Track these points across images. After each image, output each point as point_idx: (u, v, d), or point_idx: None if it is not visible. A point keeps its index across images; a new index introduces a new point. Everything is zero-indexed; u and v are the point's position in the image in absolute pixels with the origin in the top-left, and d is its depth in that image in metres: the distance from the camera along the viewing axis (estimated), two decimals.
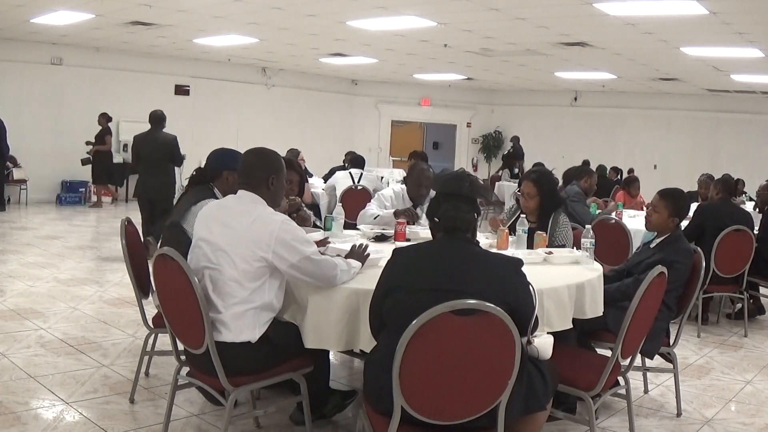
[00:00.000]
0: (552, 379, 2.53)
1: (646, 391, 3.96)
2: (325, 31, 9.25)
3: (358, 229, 4.44)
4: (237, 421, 3.23)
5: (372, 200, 5.01)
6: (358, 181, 7.94)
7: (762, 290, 5.93)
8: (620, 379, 3.02)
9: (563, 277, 3.14)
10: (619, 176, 11.69)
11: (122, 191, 12.51)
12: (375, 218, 4.59)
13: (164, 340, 3.58)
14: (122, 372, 3.83)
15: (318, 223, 4.58)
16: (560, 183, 6.73)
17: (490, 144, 16.84)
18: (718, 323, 5.72)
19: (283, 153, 3.57)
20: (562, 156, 14.29)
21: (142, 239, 7.16)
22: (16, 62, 11.30)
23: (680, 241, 3.79)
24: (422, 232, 4.06)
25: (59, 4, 8.15)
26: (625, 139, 15.08)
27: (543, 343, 2.52)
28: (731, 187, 6.09)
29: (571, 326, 3.05)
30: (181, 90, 13.41)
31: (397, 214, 4.45)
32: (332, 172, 8.90)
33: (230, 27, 9.22)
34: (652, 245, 3.88)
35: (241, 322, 2.67)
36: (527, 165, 9.64)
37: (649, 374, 4.02)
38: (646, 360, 3.70)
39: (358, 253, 3.10)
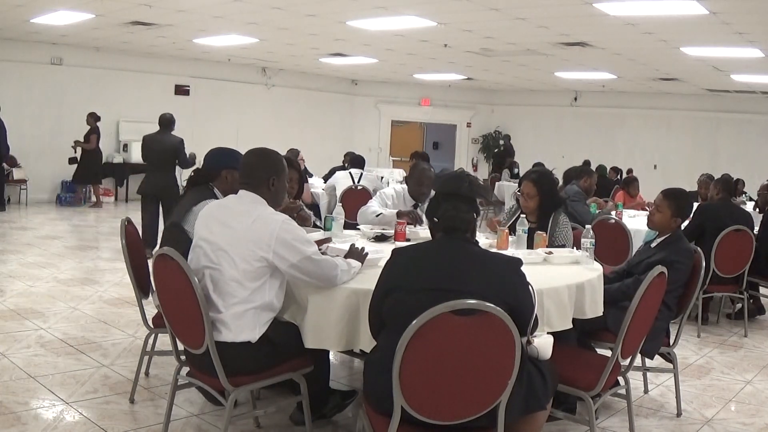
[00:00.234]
0: (552, 379, 2.53)
1: (646, 391, 3.96)
2: (325, 31, 9.25)
3: (358, 229, 4.43)
4: (237, 421, 3.23)
5: (373, 198, 5.01)
6: (358, 181, 7.94)
7: (762, 290, 5.93)
8: (620, 379, 3.02)
9: (563, 277, 3.14)
10: (619, 176, 11.69)
11: (122, 191, 12.52)
12: (377, 215, 4.59)
13: (164, 340, 3.58)
14: (122, 372, 3.83)
15: (318, 223, 4.58)
16: (560, 183, 6.73)
17: (490, 144, 16.84)
18: (718, 323, 5.72)
19: (283, 153, 3.57)
20: (562, 156, 14.29)
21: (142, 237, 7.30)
22: (16, 62, 11.30)
23: (681, 241, 3.80)
24: (422, 232, 4.06)
25: (59, 4, 8.15)
26: (625, 139, 15.08)
27: (543, 343, 2.52)
28: (731, 187, 6.10)
29: (571, 326, 3.05)
30: (181, 90, 13.41)
31: (400, 214, 4.44)
32: (332, 172, 8.90)
33: (230, 27, 9.21)
34: (653, 245, 3.88)
35: (241, 321, 2.67)
36: (526, 165, 9.62)
37: (649, 374, 4.02)
38: (646, 360, 3.70)
39: (357, 253, 3.10)
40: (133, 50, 11.96)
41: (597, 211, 6.58)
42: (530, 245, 3.83)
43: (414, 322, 2.08)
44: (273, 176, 2.84)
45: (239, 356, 2.65)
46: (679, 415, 3.63)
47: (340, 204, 4.65)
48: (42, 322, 4.71)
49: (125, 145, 12.38)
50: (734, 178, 7.39)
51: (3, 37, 10.85)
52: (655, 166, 14.56)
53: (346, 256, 3.03)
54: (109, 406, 3.36)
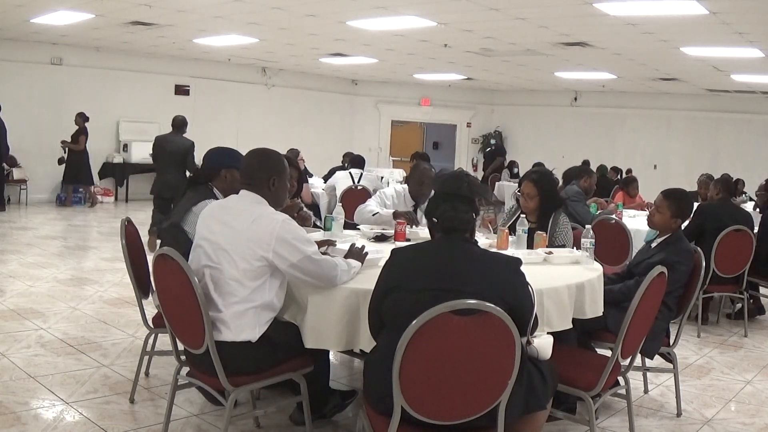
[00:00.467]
0: (552, 379, 2.53)
1: (646, 391, 3.96)
2: (325, 31, 9.25)
3: (358, 229, 4.44)
4: (237, 421, 3.24)
5: (372, 197, 5.01)
6: (358, 181, 7.94)
7: (762, 290, 5.93)
8: (620, 379, 3.02)
9: (563, 277, 3.14)
10: (619, 176, 11.70)
11: (122, 191, 12.52)
12: (373, 215, 4.59)
13: (164, 340, 3.58)
14: (122, 372, 3.83)
15: (318, 223, 4.58)
16: (560, 183, 6.74)
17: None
18: (718, 323, 5.72)
19: (282, 153, 3.57)
20: (562, 156, 14.29)
21: (149, 229, 7.40)
22: (16, 62, 11.30)
23: (681, 241, 3.80)
24: (422, 232, 4.06)
25: (59, 4, 8.15)
26: (625, 139, 15.08)
27: (543, 343, 2.52)
28: (731, 187, 6.10)
29: (571, 326, 3.05)
30: (181, 90, 13.41)
31: (396, 215, 4.44)
32: (332, 172, 8.90)
33: (230, 27, 9.22)
34: (654, 245, 3.88)
35: (241, 321, 2.67)
36: (526, 165, 9.62)
37: (649, 374, 4.02)
38: (646, 360, 3.70)
39: (357, 253, 3.10)
40: (133, 50, 11.96)
41: (597, 212, 6.58)
42: (530, 245, 3.83)
43: (414, 322, 2.08)
44: (274, 176, 2.84)
45: (239, 356, 2.66)
46: (679, 415, 3.63)
47: (340, 204, 4.65)
48: (42, 322, 4.71)
49: (125, 145, 12.38)
50: (734, 178, 7.39)
51: (3, 37, 10.85)
52: (655, 166, 14.56)
53: (346, 256, 3.03)
54: (109, 406, 3.36)
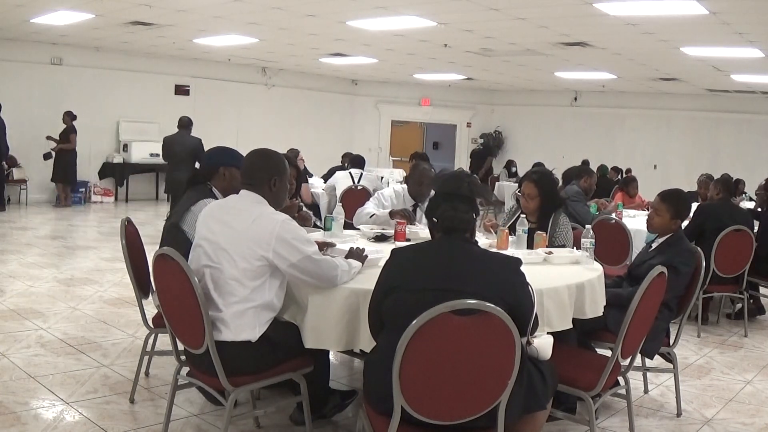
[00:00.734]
0: (552, 379, 2.53)
1: (646, 391, 3.96)
2: (325, 31, 9.25)
3: (357, 229, 4.44)
4: (237, 421, 3.24)
5: (370, 200, 5.01)
6: (358, 181, 7.94)
7: (762, 290, 5.93)
8: (620, 379, 3.02)
9: (563, 277, 3.14)
10: (619, 176, 11.70)
11: (122, 191, 12.52)
12: (370, 217, 4.59)
13: (164, 340, 3.58)
14: (122, 372, 3.83)
15: (318, 223, 4.58)
16: (560, 183, 6.74)
17: (490, 144, 16.84)
18: (718, 323, 5.72)
19: (282, 153, 3.56)
20: (562, 156, 14.29)
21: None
22: (16, 62, 11.30)
23: (682, 241, 3.79)
24: (422, 232, 4.06)
25: (59, 4, 8.15)
26: (625, 139, 15.08)
27: (543, 344, 2.52)
28: (731, 187, 6.10)
29: (571, 326, 3.05)
30: (181, 90, 13.41)
31: (392, 214, 4.45)
32: (332, 172, 8.90)
33: (230, 27, 9.22)
34: (654, 245, 3.88)
35: (241, 321, 2.67)
36: (526, 165, 9.61)
37: (649, 374, 4.02)
38: (646, 360, 3.70)
39: (357, 254, 3.10)
40: (133, 50, 11.96)
41: (597, 212, 6.58)
42: (530, 245, 3.83)
43: (414, 322, 2.08)
44: (275, 177, 2.85)
45: (239, 356, 2.66)
46: (679, 415, 3.63)
47: (340, 204, 4.65)
48: (42, 322, 4.71)
49: (125, 145, 12.38)
50: (734, 178, 7.39)
51: (3, 37, 10.85)
52: (655, 166, 14.56)
53: (346, 257, 3.03)
54: (109, 406, 3.36)
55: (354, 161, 8.79)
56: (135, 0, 7.62)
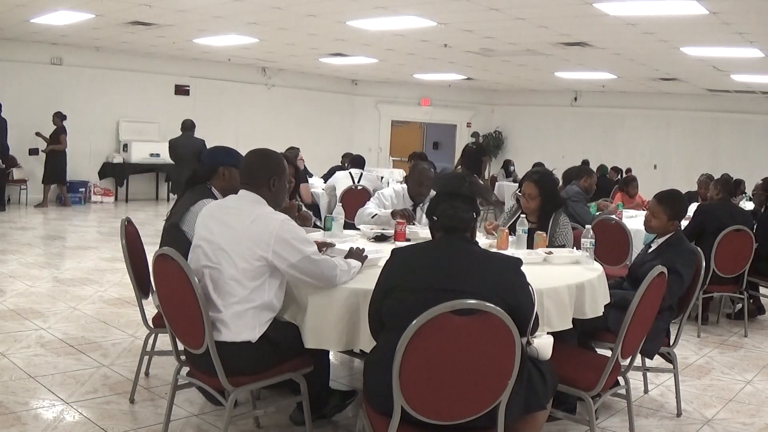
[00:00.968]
0: (552, 379, 2.53)
1: (646, 391, 3.96)
2: (325, 31, 9.25)
3: (357, 229, 4.44)
4: (237, 421, 3.24)
5: (371, 200, 5.01)
6: (358, 181, 7.93)
7: (762, 290, 5.93)
8: (620, 379, 3.02)
9: (563, 277, 3.14)
10: (619, 176, 11.70)
11: (122, 191, 12.52)
12: (372, 217, 4.59)
13: (164, 340, 3.58)
14: (122, 372, 3.83)
15: (318, 223, 4.58)
16: (560, 183, 6.74)
17: (490, 144, 16.84)
18: (718, 323, 5.72)
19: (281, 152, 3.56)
20: (562, 156, 14.29)
21: None
22: (16, 62, 11.30)
23: (682, 242, 3.79)
24: (422, 232, 4.06)
25: (59, 4, 8.15)
26: (624, 139, 15.08)
27: (543, 344, 2.52)
28: (731, 187, 6.10)
29: (571, 326, 3.05)
30: (181, 90, 13.42)
31: (394, 214, 4.45)
32: (332, 171, 8.90)
33: (230, 27, 9.22)
34: (654, 246, 3.88)
35: (241, 321, 2.67)
36: (526, 165, 9.61)
37: (649, 374, 4.02)
38: (646, 360, 3.70)
39: (357, 254, 3.10)
40: (133, 50, 11.96)
41: (597, 212, 6.58)
42: (530, 245, 3.83)
43: (414, 322, 2.08)
44: (274, 177, 2.84)
45: (239, 356, 2.66)
46: (679, 415, 3.63)
47: (340, 204, 4.65)
48: (42, 322, 4.71)
49: (125, 145, 12.39)
50: (734, 178, 7.39)
51: (3, 37, 10.85)
52: (655, 166, 14.57)
53: (345, 257, 3.03)
54: (109, 406, 3.36)
55: (354, 161, 8.79)
56: (135, 0, 7.62)
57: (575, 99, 15.65)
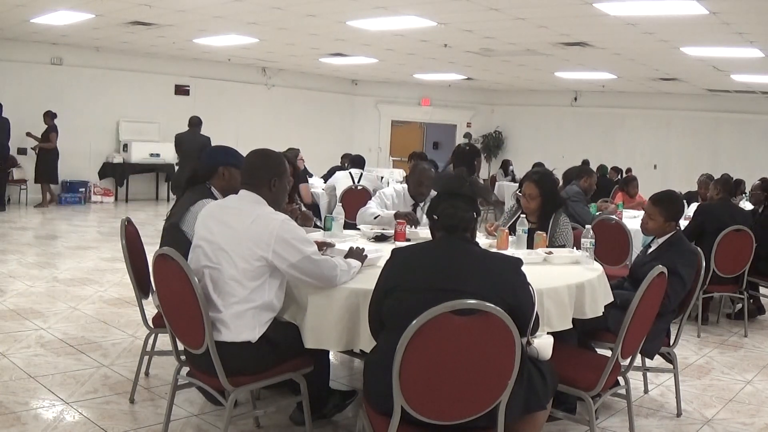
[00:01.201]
0: (552, 379, 2.53)
1: (646, 391, 3.96)
2: (325, 31, 9.26)
3: (358, 229, 4.43)
4: (237, 421, 3.23)
5: (372, 199, 5.01)
6: (358, 181, 7.93)
7: (762, 290, 5.93)
8: (620, 379, 3.02)
9: (563, 277, 3.14)
10: (619, 176, 11.71)
11: (122, 191, 12.52)
12: (375, 218, 4.59)
13: (164, 340, 3.58)
14: (122, 372, 3.83)
15: (318, 223, 4.58)
16: (560, 183, 6.74)
17: (490, 144, 16.84)
18: (718, 323, 5.72)
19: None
20: (562, 156, 14.30)
21: None
22: (16, 62, 11.31)
23: (682, 242, 3.78)
24: (422, 232, 4.06)
25: (59, 4, 8.15)
26: (624, 139, 15.09)
27: (543, 344, 2.52)
28: (731, 187, 6.10)
29: (571, 326, 3.05)
30: (181, 90, 13.42)
31: (397, 215, 4.44)
32: (332, 171, 8.90)
33: (230, 27, 9.22)
34: (653, 246, 3.87)
35: (241, 321, 2.67)
36: (526, 165, 9.60)
37: (649, 374, 4.02)
38: (646, 360, 3.70)
39: (356, 254, 3.10)
40: (133, 50, 11.96)
41: (597, 213, 6.58)
42: (530, 245, 3.83)
43: (414, 322, 2.08)
44: (275, 177, 2.84)
45: (239, 356, 2.66)
46: (679, 415, 3.63)
47: (340, 204, 4.65)
48: (42, 322, 4.71)
49: (125, 145, 12.39)
50: (734, 178, 7.40)
51: (3, 37, 10.85)
52: (655, 166, 14.57)
53: (345, 257, 3.03)
54: (109, 406, 3.36)
55: (354, 161, 8.79)
56: (135, 0, 7.62)
57: (575, 99, 15.66)
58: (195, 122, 9.77)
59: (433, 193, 3.85)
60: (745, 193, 9.67)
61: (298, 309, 2.82)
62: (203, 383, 2.82)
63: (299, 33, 9.51)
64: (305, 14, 8.03)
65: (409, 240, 3.95)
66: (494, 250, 3.62)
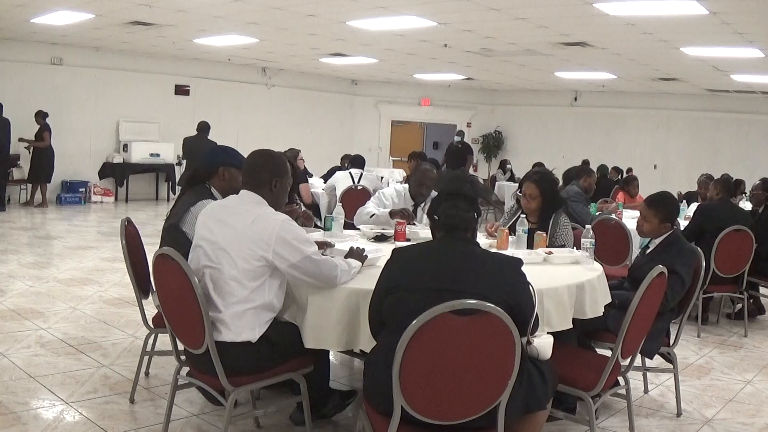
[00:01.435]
0: (552, 379, 2.53)
1: (646, 391, 3.96)
2: (325, 31, 9.25)
3: (358, 229, 4.44)
4: (237, 421, 3.23)
5: (371, 199, 5.01)
6: (358, 181, 7.93)
7: (762, 290, 5.93)
8: (620, 379, 3.02)
9: (563, 277, 3.14)
10: (620, 176, 11.70)
11: (122, 191, 12.52)
12: (371, 216, 4.60)
13: (164, 340, 3.58)
14: (122, 372, 3.83)
15: (318, 223, 4.58)
16: (560, 183, 6.74)
17: (490, 144, 16.84)
18: (718, 323, 5.72)
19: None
20: (562, 156, 14.30)
21: None
22: (16, 62, 11.30)
23: (681, 241, 3.78)
24: (422, 231, 4.06)
25: (59, 4, 8.15)
26: (625, 139, 15.08)
27: (543, 344, 2.52)
28: (731, 187, 6.10)
29: (571, 326, 3.05)
30: (181, 90, 13.42)
31: (392, 213, 4.45)
32: (332, 171, 8.90)
33: (230, 27, 9.22)
34: (652, 247, 3.87)
35: (241, 321, 2.67)
36: (526, 165, 9.60)
37: (649, 374, 4.02)
38: (646, 360, 3.70)
39: (357, 254, 3.10)
40: (133, 50, 11.96)
41: (597, 213, 6.58)
42: (530, 245, 3.83)
43: (414, 322, 2.08)
44: (276, 178, 2.84)
45: (239, 356, 2.66)
46: (679, 415, 3.63)
47: (340, 204, 4.65)
48: (42, 322, 4.71)
49: (125, 145, 12.38)
50: (734, 179, 7.40)
51: (3, 37, 10.85)
52: (655, 166, 14.56)
53: (345, 257, 3.03)
54: (109, 406, 3.36)
55: (354, 161, 8.79)
56: (135, 0, 7.62)
57: (575, 99, 15.66)
58: (203, 127, 10.06)
59: (434, 193, 3.85)
60: (745, 194, 9.66)
61: (298, 309, 2.82)
62: (203, 383, 2.83)
63: (299, 33, 9.51)
64: (305, 14, 8.02)
65: (409, 240, 3.96)
66: (494, 250, 3.62)
